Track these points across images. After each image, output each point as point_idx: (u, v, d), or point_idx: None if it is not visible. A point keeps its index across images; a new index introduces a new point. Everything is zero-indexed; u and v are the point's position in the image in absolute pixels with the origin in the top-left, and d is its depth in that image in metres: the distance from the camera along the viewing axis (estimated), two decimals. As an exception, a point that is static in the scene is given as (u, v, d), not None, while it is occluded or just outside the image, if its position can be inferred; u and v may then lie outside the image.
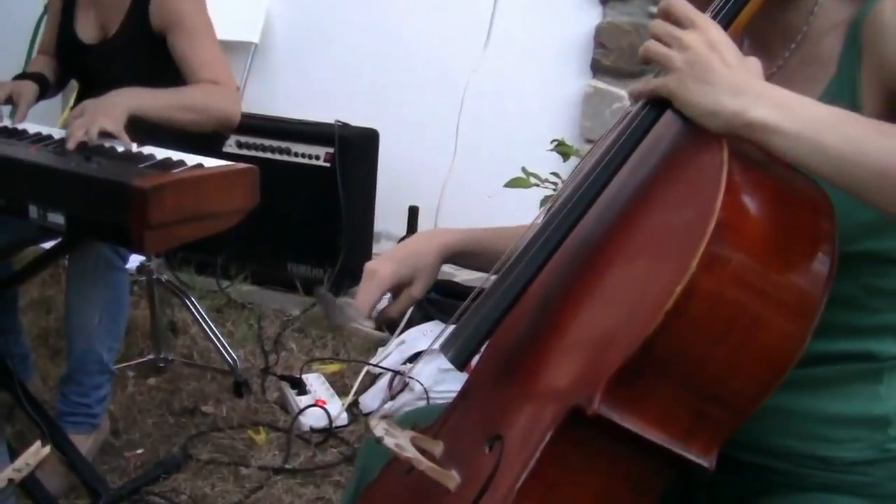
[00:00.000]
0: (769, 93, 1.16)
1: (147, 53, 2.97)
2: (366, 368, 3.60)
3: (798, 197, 1.15)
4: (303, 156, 4.42)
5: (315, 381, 3.52)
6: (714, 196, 1.07)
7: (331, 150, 4.35)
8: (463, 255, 1.68)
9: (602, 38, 4.32)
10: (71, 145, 2.49)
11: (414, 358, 3.44)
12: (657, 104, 1.24)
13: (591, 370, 1.14)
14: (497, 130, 4.38)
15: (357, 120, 4.49)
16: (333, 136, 4.35)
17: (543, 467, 1.14)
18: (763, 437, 1.33)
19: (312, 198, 4.38)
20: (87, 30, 3.09)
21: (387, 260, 1.63)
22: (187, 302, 3.73)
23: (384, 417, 1.35)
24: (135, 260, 3.55)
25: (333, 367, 3.78)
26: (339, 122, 4.45)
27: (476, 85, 4.04)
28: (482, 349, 1.31)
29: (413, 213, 4.20)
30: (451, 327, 1.33)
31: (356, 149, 4.43)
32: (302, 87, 4.94)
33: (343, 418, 3.34)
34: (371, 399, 3.44)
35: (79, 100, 3.24)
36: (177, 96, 2.82)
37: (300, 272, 4.44)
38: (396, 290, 1.63)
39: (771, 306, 1.09)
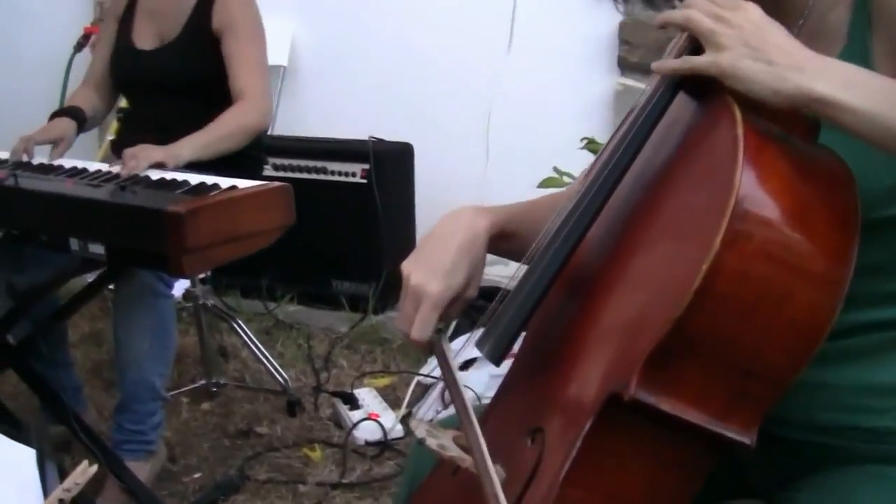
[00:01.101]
0: (828, 67, 1.16)
1: (204, 55, 3.15)
2: (416, 379, 3.61)
3: (817, 168, 1.15)
4: (339, 174, 4.45)
5: (367, 396, 3.54)
6: (732, 172, 1.07)
7: (366, 166, 4.38)
8: (504, 237, 1.49)
9: (626, 35, 4.32)
10: (124, 172, 2.62)
11: (465, 366, 3.44)
12: (670, 87, 1.24)
13: (624, 356, 1.14)
14: (526, 133, 4.39)
15: (390, 134, 4.51)
16: (368, 152, 4.39)
17: (586, 456, 1.14)
18: (809, 414, 1.32)
19: (352, 214, 4.40)
20: (144, 38, 3.25)
21: (433, 275, 1.40)
22: (235, 326, 3.76)
23: (426, 420, 1.35)
24: (180, 287, 3.58)
25: (384, 381, 3.79)
26: (372, 138, 4.48)
27: (502, 90, 4.06)
28: (518, 343, 1.31)
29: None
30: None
31: (391, 163, 4.46)
32: (333, 106, 4.97)
33: (398, 430, 3.35)
34: (424, 409, 3.44)
35: (127, 112, 3.35)
36: (218, 131, 2.97)
37: (345, 289, 4.47)
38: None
39: (798, 277, 1.08)
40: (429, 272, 1.40)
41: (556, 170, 3.25)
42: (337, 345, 4.10)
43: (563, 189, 1.73)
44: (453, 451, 1.26)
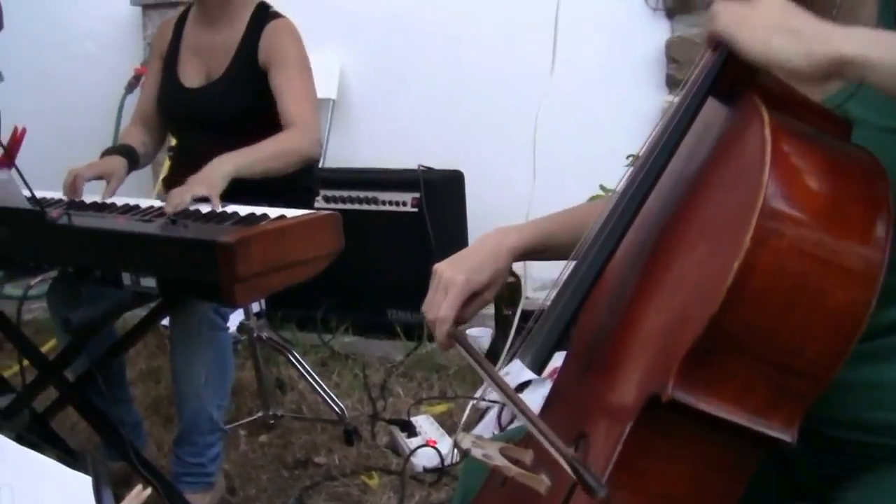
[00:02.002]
0: (854, 30, 1.17)
1: (251, 89, 3.18)
2: (471, 403, 3.61)
3: (849, 164, 1.15)
4: (390, 203, 4.48)
5: (424, 422, 3.54)
6: (760, 171, 1.08)
7: (417, 194, 4.41)
8: (534, 253, 1.68)
9: (673, 53, 4.31)
10: (169, 210, 2.63)
11: (520, 388, 3.44)
12: (700, 92, 1.25)
13: (662, 356, 1.14)
14: (573, 152, 4.40)
15: (439, 162, 4.54)
16: (418, 180, 4.42)
17: (628, 459, 1.14)
18: (854, 413, 1.31)
19: (404, 243, 4.43)
20: (191, 76, 3.29)
21: (460, 269, 1.61)
22: (291, 358, 3.79)
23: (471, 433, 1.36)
24: (235, 320, 3.62)
25: (441, 408, 3.80)
26: (422, 166, 4.50)
27: (547, 111, 4.06)
28: (560, 352, 1.31)
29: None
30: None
31: (442, 191, 4.48)
32: (382, 137, 5.02)
33: (455, 455, 3.35)
34: (481, 433, 3.44)
35: (177, 149, 3.39)
36: (264, 150, 2.98)
37: (400, 318, 4.49)
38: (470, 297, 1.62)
39: (832, 271, 1.08)
40: (458, 268, 1.62)
41: (602, 188, 3.26)
42: (393, 373, 4.12)
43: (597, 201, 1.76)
44: (499, 461, 1.27)
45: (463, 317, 1.61)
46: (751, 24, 1.19)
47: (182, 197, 2.67)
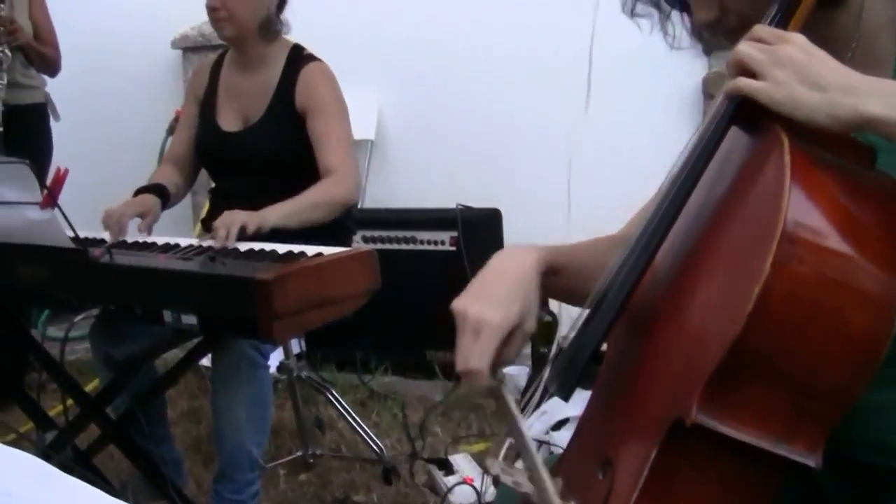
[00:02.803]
0: (879, 85, 1.17)
1: (289, 132, 3.23)
2: (508, 441, 3.61)
3: (871, 190, 1.16)
4: (428, 242, 4.52)
5: (462, 461, 3.55)
6: (780, 197, 1.10)
7: (455, 233, 4.43)
8: (557, 271, 1.50)
9: (711, 89, 4.33)
10: (218, 243, 2.71)
11: (558, 426, 3.44)
12: (723, 121, 1.26)
13: (685, 381, 1.15)
14: (608, 189, 4.40)
15: (477, 201, 4.57)
16: (456, 219, 4.44)
17: (654, 484, 1.16)
18: (880, 436, 1.31)
19: (442, 282, 4.42)
20: (229, 120, 3.34)
21: (489, 304, 1.40)
22: (330, 397, 3.82)
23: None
24: (274, 360, 3.65)
25: (479, 446, 3.80)
26: (460, 205, 4.53)
27: (582, 148, 4.10)
28: (588, 379, 1.33)
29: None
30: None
31: (480, 230, 4.50)
32: (420, 177, 5.07)
33: (492, 493, 3.35)
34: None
35: (216, 191, 3.45)
36: (306, 200, 3.04)
37: (438, 357, 4.50)
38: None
39: (853, 296, 1.09)
40: (486, 304, 1.40)
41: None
42: (431, 412, 4.12)
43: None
44: (527, 488, 1.29)
45: (506, 358, 1.41)
46: (777, 68, 1.19)
47: (230, 229, 2.74)
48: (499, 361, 1.39)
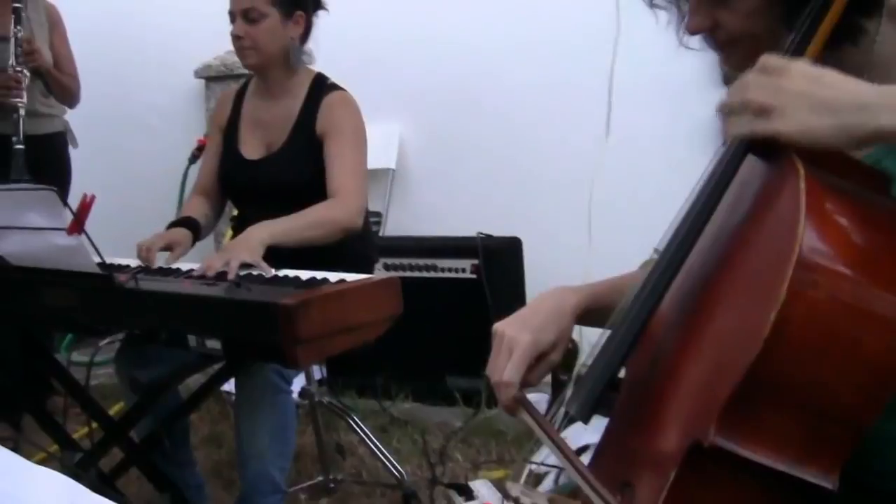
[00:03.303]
0: (888, 96, 1.18)
1: (310, 160, 3.25)
2: (528, 468, 3.62)
3: (883, 216, 1.19)
4: (449, 270, 4.55)
5: (482, 487, 3.51)
6: (795, 223, 1.12)
7: (476, 261, 4.47)
8: (589, 315, 1.63)
9: (731, 120, 4.32)
10: (210, 273, 2.70)
11: (578, 453, 3.44)
12: (739, 150, 1.29)
13: (704, 404, 1.17)
14: (628, 218, 4.43)
15: (497, 229, 4.60)
16: (477, 247, 4.47)
17: (673, 506, 1.17)
18: (896, 464, 1.33)
19: (463, 310, 4.46)
20: (251, 148, 3.38)
21: (525, 328, 1.55)
22: (351, 422, 3.83)
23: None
24: (296, 386, 3.67)
25: (499, 473, 3.80)
26: (480, 234, 4.56)
27: (602, 176, 4.12)
28: (606, 406, 1.35)
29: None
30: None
31: (501, 258, 4.54)
32: (440, 205, 5.10)
33: (511, 516, 3.35)
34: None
35: (239, 219, 3.50)
36: (302, 219, 3.05)
37: (459, 384, 4.52)
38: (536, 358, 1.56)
39: (869, 321, 1.11)
40: (521, 327, 1.55)
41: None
42: (452, 439, 4.14)
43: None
44: (546, 511, 1.31)
45: (530, 381, 1.55)
46: (784, 101, 1.20)
47: (226, 264, 2.73)
48: (524, 381, 1.53)
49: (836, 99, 1.18)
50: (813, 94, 1.20)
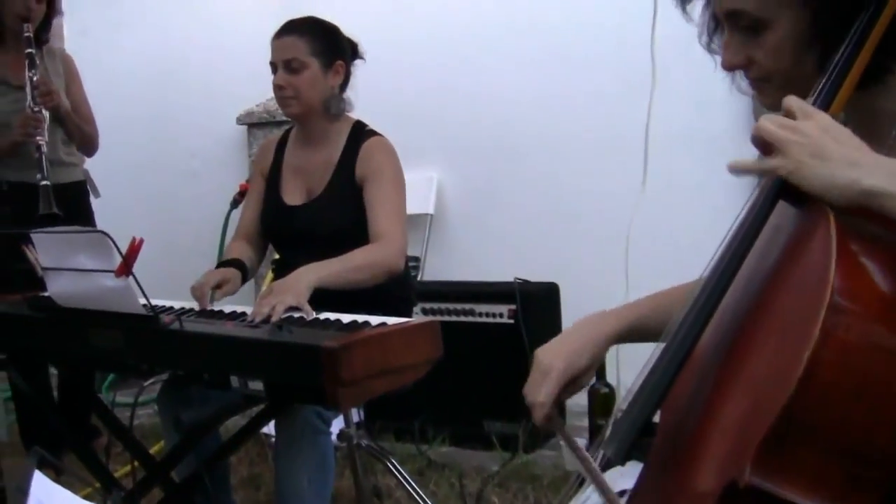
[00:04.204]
0: (880, 163, 1.24)
1: (350, 205, 3.31)
2: (565, 510, 3.62)
3: None
4: (486, 315, 4.58)
5: (519, 531, 3.56)
6: (827, 268, 1.15)
7: (513, 306, 4.50)
8: (629, 338, 1.77)
9: (766, 167, 4.34)
10: (257, 319, 2.74)
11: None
12: (770, 196, 1.33)
13: (739, 444, 1.20)
14: (666, 264, 4.43)
15: (535, 275, 4.63)
16: (514, 293, 4.51)
17: (709, 546, 1.20)
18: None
19: (500, 354, 4.49)
20: (293, 194, 3.44)
21: (560, 355, 1.72)
22: (389, 465, 3.85)
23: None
24: (335, 428, 3.70)
25: (536, 517, 3.82)
26: (518, 279, 4.59)
27: (640, 223, 4.14)
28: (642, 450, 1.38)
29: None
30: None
31: (538, 303, 4.58)
32: (478, 250, 5.15)
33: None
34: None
35: (279, 263, 3.56)
36: (349, 262, 3.09)
37: (496, 429, 4.55)
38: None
39: (898, 363, 1.14)
40: (558, 353, 1.73)
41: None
42: (489, 483, 4.15)
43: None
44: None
45: (560, 399, 1.71)
46: (791, 142, 1.27)
47: (273, 308, 2.76)
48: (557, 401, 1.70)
49: (834, 150, 1.25)
50: (816, 141, 1.26)
